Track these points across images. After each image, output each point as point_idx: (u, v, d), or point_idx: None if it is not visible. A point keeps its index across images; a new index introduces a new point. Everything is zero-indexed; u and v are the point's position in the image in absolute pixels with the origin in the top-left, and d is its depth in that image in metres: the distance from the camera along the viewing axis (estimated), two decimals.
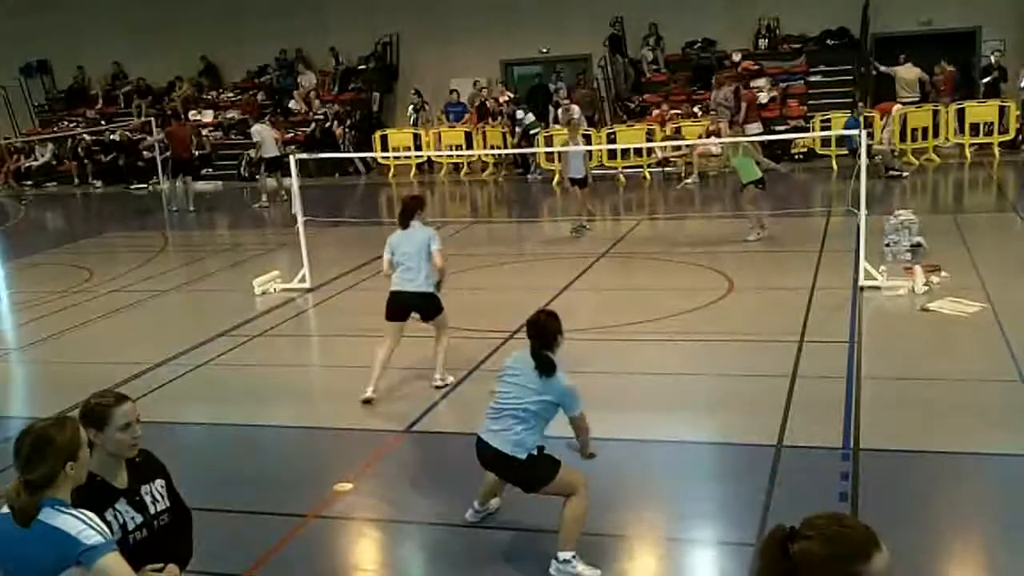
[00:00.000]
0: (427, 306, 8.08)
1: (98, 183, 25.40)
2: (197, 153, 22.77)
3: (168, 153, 22.18)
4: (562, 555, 5.18)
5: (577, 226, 14.76)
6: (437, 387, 8.10)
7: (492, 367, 8.62)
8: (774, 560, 2.31)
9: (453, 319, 8.36)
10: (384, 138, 22.94)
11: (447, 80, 24.18)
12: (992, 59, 20.97)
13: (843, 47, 22.29)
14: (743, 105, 20.66)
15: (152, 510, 3.66)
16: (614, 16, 23.18)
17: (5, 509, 3.18)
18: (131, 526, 3.58)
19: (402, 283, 8.00)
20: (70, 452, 3.18)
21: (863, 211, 10.53)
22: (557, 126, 21.39)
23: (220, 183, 23.79)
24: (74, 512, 3.12)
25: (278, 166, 20.00)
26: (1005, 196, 16.53)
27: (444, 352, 8.20)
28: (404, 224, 8.10)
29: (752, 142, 14.05)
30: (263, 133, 20.38)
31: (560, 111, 21.92)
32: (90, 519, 3.12)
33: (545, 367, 5.25)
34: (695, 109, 21.73)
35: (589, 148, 17.05)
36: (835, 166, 19.39)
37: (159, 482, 3.74)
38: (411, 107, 23.94)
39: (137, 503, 3.62)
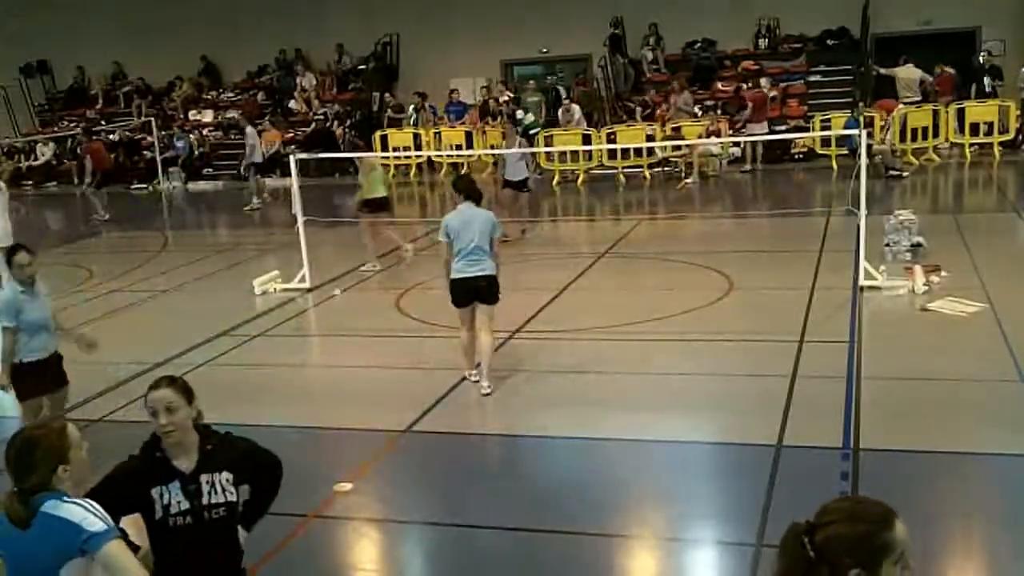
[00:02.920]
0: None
1: None
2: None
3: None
4: None
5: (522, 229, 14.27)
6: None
7: (492, 367, 8.62)
8: (798, 555, 2.30)
9: (453, 319, 8.35)
10: (384, 138, 22.94)
11: (447, 80, 24.19)
12: (982, 60, 20.96)
13: (843, 47, 22.30)
14: (749, 105, 20.66)
15: (206, 500, 3.60)
16: (614, 16, 23.18)
17: None
18: (174, 509, 3.56)
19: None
20: (59, 456, 3.15)
21: (863, 211, 10.52)
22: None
23: (220, 183, 23.82)
24: (77, 501, 3.12)
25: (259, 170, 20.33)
26: (1005, 196, 16.53)
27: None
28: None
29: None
30: (254, 137, 20.33)
31: (561, 111, 21.93)
32: (93, 507, 3.12)
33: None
34: (695, 109, 21.74)
35: (531, 151, 16.50)
36: (835, 166, 19.39)
37: (226, 475, 3.66)
38: (411, 107, 23.94)
39: (191, 490, 3.58)
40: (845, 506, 2.38)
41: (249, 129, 20.58)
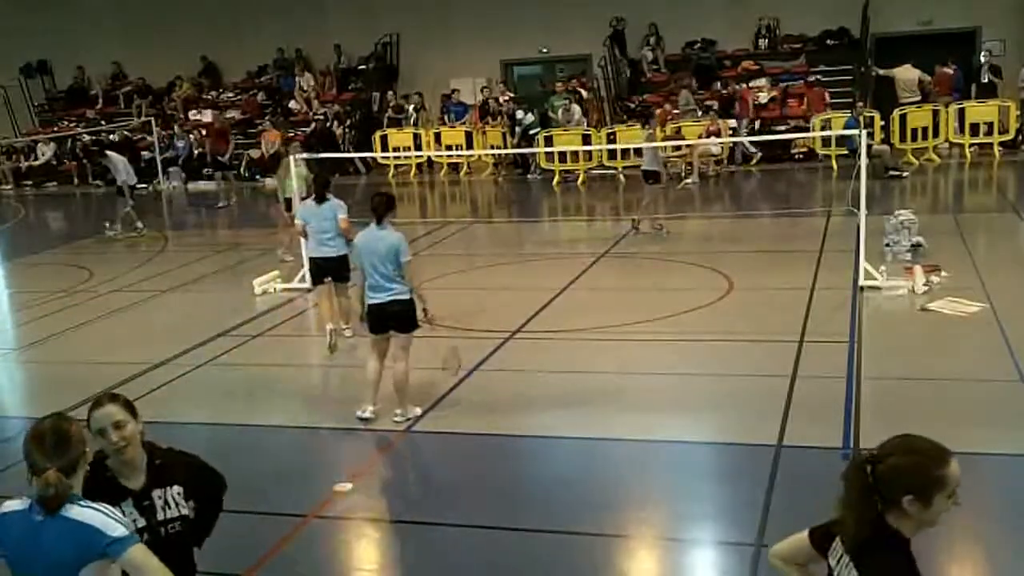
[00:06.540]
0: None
1: (99, 183, 25.38)
2: None
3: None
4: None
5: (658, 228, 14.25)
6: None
7: (492, 367, 8.64)
8: (860, 481, 2.67)
9: (454, 319, 8.36)
10: (384, 138, 22.94)
11: (447, 80, 24.20)
12: (983, 59, 20.99)
13: (843, 47, 22.30)
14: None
15: (161, 516, 3.55)
16: (614, 16, 23.18)
17: (13, 505, 3.19)
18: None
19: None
20: (84, 441, 3.22)
21: (863, 211, 10.52)
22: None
23: (220, 183, 23.81)
24: (95, 506, 3.13)
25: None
26: (1005, 196, 16.53)
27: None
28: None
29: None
30: (115, 159, 17.56)
31: (561, 110, 21.93)
32: (112, 512, 3.14)
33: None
34: (696, 109, 21.73)
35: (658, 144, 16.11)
36: (835, 166, 19.39)
37: (176, 488, 3.61)
38: (411, 107, 23.95)
39: (144, 507, 3.54)
40: (903, 442, 2.72)
41: (111, 154, 18.10)
